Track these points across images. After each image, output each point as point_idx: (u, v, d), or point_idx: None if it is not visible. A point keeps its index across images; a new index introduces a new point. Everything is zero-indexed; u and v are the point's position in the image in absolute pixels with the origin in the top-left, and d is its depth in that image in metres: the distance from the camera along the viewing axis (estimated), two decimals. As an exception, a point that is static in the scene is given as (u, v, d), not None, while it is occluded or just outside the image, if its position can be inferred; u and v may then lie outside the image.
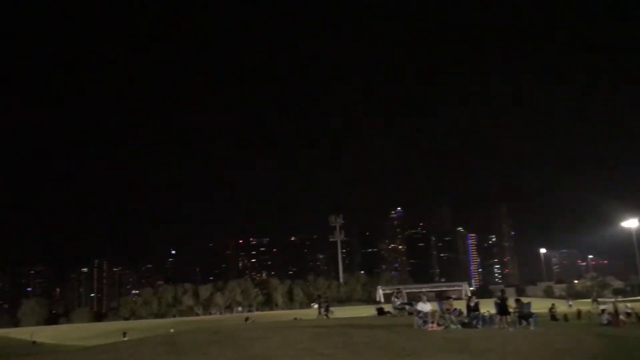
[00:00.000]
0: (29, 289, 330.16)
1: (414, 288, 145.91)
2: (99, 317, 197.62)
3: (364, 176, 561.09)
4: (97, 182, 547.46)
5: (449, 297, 33.17)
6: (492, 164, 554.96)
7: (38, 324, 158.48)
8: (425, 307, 26.89)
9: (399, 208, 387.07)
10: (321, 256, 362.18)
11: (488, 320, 28.13)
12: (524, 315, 27.81)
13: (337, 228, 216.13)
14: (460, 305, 31.06)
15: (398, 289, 49.27)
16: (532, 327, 26.77)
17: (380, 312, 42.80)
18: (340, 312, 78.27)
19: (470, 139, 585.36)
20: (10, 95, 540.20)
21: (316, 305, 51.75)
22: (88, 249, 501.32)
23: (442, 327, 25.78)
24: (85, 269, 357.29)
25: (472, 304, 28.81)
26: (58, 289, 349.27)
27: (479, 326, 27.04)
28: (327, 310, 47.93)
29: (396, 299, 39.18)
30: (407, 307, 36.91)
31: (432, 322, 25.81)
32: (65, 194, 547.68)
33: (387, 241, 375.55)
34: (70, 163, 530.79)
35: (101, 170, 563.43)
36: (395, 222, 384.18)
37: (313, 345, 19.77)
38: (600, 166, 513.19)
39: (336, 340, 20.67)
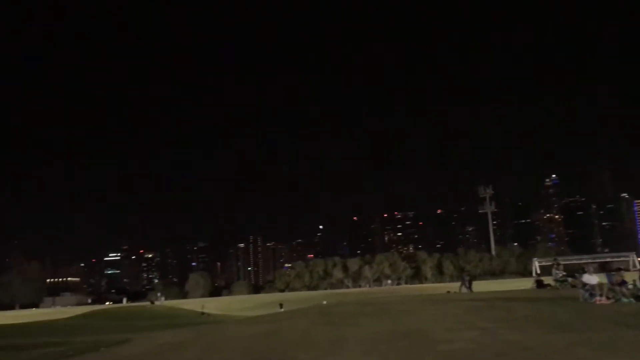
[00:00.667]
0: (193, 263, 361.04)
1: (573, 259, 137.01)
2: (256, 289, 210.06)
3: (514, 143, 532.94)
4: (248, 164, 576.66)
5: (619, 269, 30.24)
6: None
7: (203, 296, 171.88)
8: (591, 279, 24.80)
9: (553, 176, 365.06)
10: (470, 229, 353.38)
11: (667, 294, 25.37)
12: None
13: (487, 199, 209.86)
14: (630, 277, 28.30)
15: (556, 260, 46.20)
16: None
17: (540, 284, 40.41)
18: (494, 285, 75.74)
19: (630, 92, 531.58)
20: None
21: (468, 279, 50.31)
22: (244, 226, 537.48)
23: (612, 301, 23.68)
24: (241, 245, 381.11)
25: (646, 276, 26.21)
26: (219, 264, 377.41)
27: (656, 300, 24.47)
28: (469, 284, 46.53)
29: (557, 271, 36.76)
30: (569, 279, 34.47)
31: (601, 295, 23.77)
32: (221, 176, 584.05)
33: (542, 211, 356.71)
34: (226, 147, 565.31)
35: (251, 152, 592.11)
36: (550, 190, 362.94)
37: (469, 318, 19.03)
38: None
39: (495, 314, 19.73)
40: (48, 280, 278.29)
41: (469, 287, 45.98)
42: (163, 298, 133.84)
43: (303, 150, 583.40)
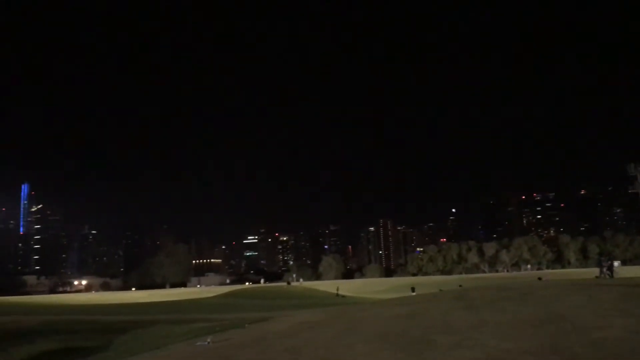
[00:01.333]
0: (325, 246, 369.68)
1: None
2: (388, 272, 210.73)
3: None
4: (382, 153, 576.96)
5: None
6: None
7: (336, 278, 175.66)
8: None
9: None
10: (618, 210, 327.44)
11: None
12: None
13: (638, 177, 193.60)
14: None
15: None
16: None
17: (703, 270, 36.64)
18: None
19: None
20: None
21: (616, 263, 46.61)
22: (375, 210, 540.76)
23: None
24: (372, 228, 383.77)
25: None
26: (350, 247, 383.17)
27: None
28: (610, 269, 42.99)
29: None
30: None
31: None
32: (350, 161, 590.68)
33: None
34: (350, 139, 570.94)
35: (384, 140, 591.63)
36: None
37: (623, 304, 17.66)
38: None
39: (652, 301, 18.17)
40: (194, 261, 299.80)
41: (609, 273, 42.59)
42: (301, 279, 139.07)
43: (438, 132, 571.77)
